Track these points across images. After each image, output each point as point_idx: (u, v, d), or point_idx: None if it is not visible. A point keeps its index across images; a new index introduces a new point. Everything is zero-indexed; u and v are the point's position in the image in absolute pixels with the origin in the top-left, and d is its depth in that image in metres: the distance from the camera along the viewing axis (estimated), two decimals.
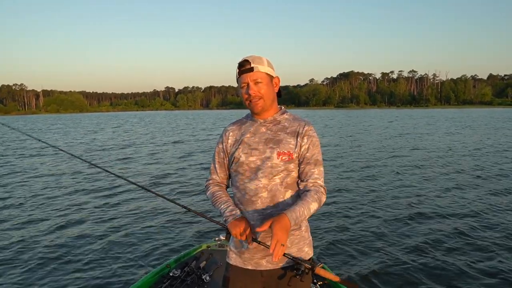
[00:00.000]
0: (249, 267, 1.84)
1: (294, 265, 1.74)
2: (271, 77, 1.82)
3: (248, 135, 1.84)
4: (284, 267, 1.81)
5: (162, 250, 5.08)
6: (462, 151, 14.82)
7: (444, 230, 5.62)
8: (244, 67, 1.77)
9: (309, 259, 1.87)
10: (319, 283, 3.04)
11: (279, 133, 1.81)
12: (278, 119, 1.86)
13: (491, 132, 23.53)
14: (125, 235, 5.67)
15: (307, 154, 1.80)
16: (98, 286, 4.15)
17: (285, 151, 1.77)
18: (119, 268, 4.57)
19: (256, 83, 1.77)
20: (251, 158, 1.79)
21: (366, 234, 5.58)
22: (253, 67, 1.76)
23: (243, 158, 1.81)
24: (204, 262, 3.34)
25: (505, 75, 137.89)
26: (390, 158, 13.03)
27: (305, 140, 1.80)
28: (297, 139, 1.79)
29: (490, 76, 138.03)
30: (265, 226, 1.62)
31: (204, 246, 3.71)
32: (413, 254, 4.80)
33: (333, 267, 4.35)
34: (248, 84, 1.77)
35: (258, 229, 1.66)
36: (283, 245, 1.54)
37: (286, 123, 1.84)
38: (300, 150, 1.80)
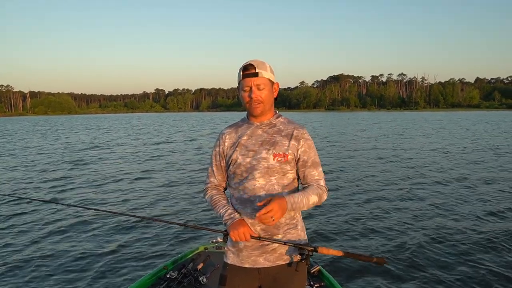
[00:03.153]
0: (247, 265, 1.88)
1: (297, 251, 1.80)
2: (272, 82, 1.88)
3: (245, 138, 1.89)
4: (281, 264, 1.87)
5: (159, 251, 5.05)
6: (430, 150, 15.95)
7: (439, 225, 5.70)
8: (249, 71, 1.82)
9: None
10: (315, 285, 3.04)
11: (275, 135, 1.88)
12: (274, 122, 1.92)
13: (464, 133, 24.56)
14: (122, 237, 5.64)
15: (305, 157, 1.88)
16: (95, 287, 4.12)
17: (281, 153, 1.84)
18: (116, 269, 4.54)
19: (259, 88, 1.82)
20: (248, 159, 1.85)
21: (361, 233, 5.62)
22: (257, 72, 1.81)
23: (240, 159, 1.86)
24: (201, 264, 3.32)
25: (491, 79, 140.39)
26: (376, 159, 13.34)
27: (301, 143, 1.88)
28: (291, 141, 1.86)
29: (477, 80, 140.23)
30: (265, 201, 1.69)
31: (201, 248, 3.69)
32: (409, 252, 4.85)
33: (329, 268, 4.35)
34: (251, 88, 1.82)
35: (258, 204, 1.72)
36: (273, 219, 1.65)
37: (281, 126, 1.91)
38: (296, 152, 1.87)
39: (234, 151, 1.88)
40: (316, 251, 1.75)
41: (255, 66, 1.81)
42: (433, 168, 11.67)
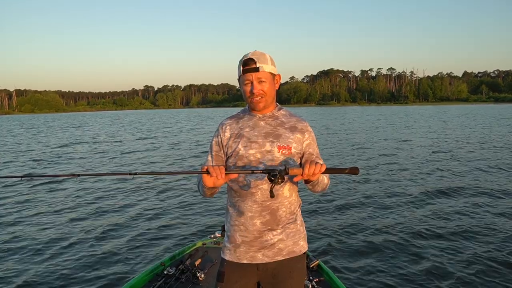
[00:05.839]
0: (245, 261, 1.84)
1: (269, 173, 1.65)
2: (273, 75, 1.83)
3: (247, 129, 1.85)
4: (280, 259, 1.83)
5: (157, 248, 5.02)
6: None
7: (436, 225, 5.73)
8: (249, 66, 1.76)
9: (305, 253, 1.92)
10: (315, 280, 3.02)
11: (278, 128, 1.84)
12: (276, 114, 1.89)
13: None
14: (120, 233, 5.61)
15: (310, 149, 1.87)
16: (92, 284, 4.07)
17: (285, 145, 1.80)
18: (113, 266, 4.50)
19: (260, 82, 1.78)
20: (251, 151, 1.80)
21: (359, 230, 5.59)
22: (258, 67, 1.76)
23: (242, 151, 1.81)
24: (199, 260, 3.30)
25: (479, 72, 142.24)
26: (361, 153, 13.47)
27: (306, 136, 1.86)
28: (296, 134, 1.84)
29: (465, 74, 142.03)
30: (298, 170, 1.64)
31: (199, 244, 3.66)
32: (407, 253, 4.84)
33: (328, 263, 4.34)
34: (252, 83, 1.77)
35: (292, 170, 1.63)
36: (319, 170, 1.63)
37: (283, 119, 1.88)
38: (302, 145, 1.84)
39: (235, 142, 1.83)
40: (287, 173, 1.63)
41: (256, 60, 1.75)
42: (397, 159, 12.07)
